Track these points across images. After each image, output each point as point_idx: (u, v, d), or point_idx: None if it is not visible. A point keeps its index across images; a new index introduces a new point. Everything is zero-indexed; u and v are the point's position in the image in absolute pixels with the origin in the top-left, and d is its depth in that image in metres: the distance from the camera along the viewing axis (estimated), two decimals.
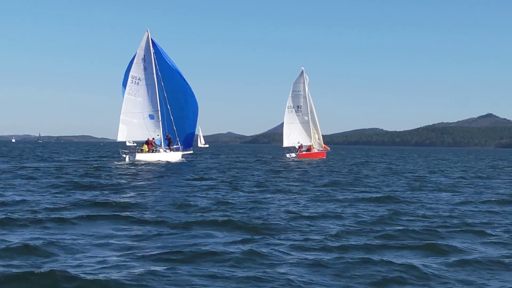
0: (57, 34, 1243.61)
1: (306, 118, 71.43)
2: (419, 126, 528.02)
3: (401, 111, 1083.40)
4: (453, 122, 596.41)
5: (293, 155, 69.73)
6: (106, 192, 23.97)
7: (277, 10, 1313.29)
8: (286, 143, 71.46)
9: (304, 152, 69.92)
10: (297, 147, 70.57)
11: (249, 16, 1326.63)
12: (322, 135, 74.05)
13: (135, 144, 54.52)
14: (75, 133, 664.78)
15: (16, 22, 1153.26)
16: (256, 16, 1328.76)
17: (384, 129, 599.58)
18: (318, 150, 71.79)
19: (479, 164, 68.79)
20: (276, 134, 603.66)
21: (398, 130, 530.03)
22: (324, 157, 72.01)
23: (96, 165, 44.18)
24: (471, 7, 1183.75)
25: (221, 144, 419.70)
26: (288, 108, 71.77)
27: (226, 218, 16.19)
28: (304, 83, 71.89)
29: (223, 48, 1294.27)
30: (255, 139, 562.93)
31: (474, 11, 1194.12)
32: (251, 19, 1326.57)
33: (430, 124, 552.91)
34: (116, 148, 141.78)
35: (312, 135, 71.46)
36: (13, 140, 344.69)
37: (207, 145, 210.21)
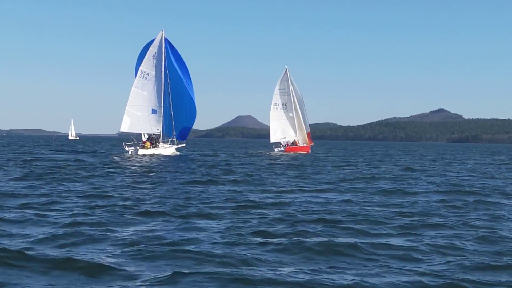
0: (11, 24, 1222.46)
1: (290, 114, 74.48)
2: (372, 121, 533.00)
3: (355, 106, 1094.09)
4: (406, 117, 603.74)
5: (281, 148, 73.39)
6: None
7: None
8: (273, 139, 74.82)
9: (290, 146, 73.53)
10: (283, 142, 74.27)
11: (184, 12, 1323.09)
12: None
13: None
14: (26, 126, 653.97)
15: None
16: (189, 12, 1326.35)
17: (338, 123, 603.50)
18: (303, 145, 74.74)
19: None
20: (230, 128, 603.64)
21: (351, 125, 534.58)
22: (309, 151, 74.97)
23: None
24: (423, 5, 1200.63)
25: None
26: (274, 106, 74.69)
27: None
28: (288, 81, 74.54)
29: (175, 42, 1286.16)
30: (209, 133, 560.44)
31: (427, 9, 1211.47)
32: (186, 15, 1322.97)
33: (383, 119, 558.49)
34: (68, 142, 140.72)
35: (298, 130, 74.41)
36: None
37: (78, 138, 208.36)
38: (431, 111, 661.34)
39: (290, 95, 74.34)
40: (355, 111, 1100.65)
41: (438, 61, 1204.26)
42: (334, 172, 38.72)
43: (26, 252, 11.26)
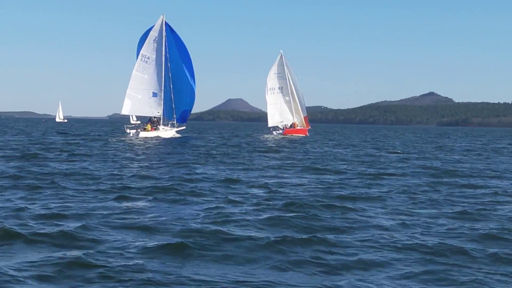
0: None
1: (287, 98, 75.10)
2: (362, 104, 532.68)
3: (345, 89, 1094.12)
4: (396, 101, 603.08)
5: (280, 131, 74.25)
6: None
7: None
8: (271, 123, 75.41)
9: (289, 129, 74.37)
10: (281, 126, 74.93)
11: None
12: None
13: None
14: (16, 108, 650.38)
15: None
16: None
17: (328, 107, 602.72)
18: (300, 127, 75.73)
19: None
20: (220, 111, 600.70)
21: (342, 108, 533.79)
22: (307, 134, 75.97)
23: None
24: None
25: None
26: (270, 90, 75.42)
27: None
28: (284, 65, 75.25)
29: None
30: (199, 117, 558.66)
31: None
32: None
33: (374, 102, 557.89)
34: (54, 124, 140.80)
35: (295, 114, 75.23)
36: None
37: (65, 120, 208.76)
38: (422, 95, 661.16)
39: (286, 79, 75.06)
40: (346, 94, 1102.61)
41: (429, 44, 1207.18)
42: (326, 154, 39.80)
43: (15, 228, 11.72)
